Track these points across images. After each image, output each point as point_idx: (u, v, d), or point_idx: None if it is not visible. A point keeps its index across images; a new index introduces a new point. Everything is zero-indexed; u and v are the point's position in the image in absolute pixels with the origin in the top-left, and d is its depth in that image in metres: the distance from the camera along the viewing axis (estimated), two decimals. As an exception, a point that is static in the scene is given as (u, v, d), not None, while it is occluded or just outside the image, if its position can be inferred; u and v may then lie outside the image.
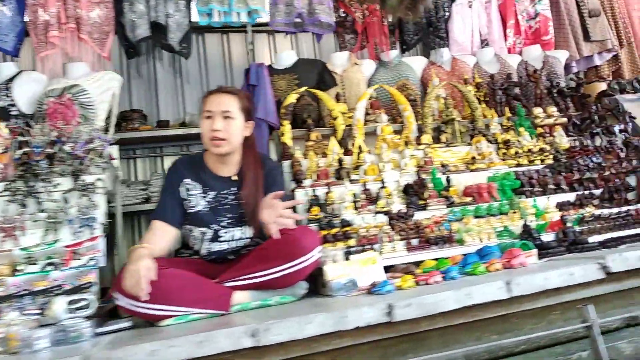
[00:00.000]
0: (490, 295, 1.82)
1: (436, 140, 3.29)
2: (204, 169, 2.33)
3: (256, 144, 2.46)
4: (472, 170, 3.03)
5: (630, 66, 4.54)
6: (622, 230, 2.69)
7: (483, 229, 2.58)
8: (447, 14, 4.09)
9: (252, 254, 2.17)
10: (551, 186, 2.91)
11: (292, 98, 3.10)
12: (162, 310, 1.91)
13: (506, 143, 3.30)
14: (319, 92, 3.23)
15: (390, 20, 3.89)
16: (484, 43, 4.30)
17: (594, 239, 2.60)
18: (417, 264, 2.37)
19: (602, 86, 4.11)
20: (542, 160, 3.20)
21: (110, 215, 2.78)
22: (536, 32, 4.42)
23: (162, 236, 2.19)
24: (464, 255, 2.38)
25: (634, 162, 3.13)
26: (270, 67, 3.67)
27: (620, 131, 3.59)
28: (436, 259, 2.38)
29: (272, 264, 2.09)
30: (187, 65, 4.70)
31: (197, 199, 2.27)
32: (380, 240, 2.44)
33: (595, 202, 2.94)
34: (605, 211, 2.79)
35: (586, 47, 4.41)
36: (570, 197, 2.91)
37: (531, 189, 2.87)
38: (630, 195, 3.03)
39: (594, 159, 3.17)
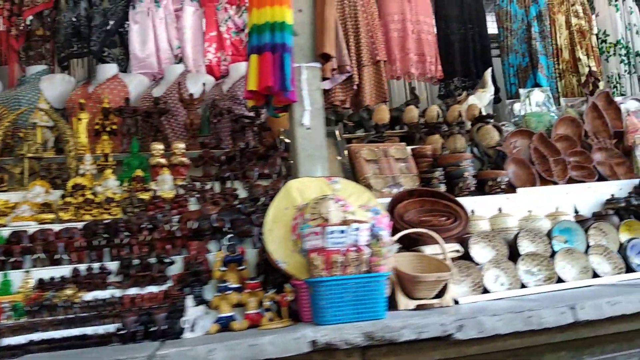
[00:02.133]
0: None
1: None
2: None
3: None
4: (-26, 228, 2.31)
5: (375, 90, 3.66)
6: (74, 327, 1.91)
7: None
8: (106, 19, 3.34)
9: None
10: (41, 255, 2.15)
11: None
12: None
13: (75, 188, 2.56)
14: None
15: (22, 28, 3.19)
16: (179, 59, 3.57)
17: (14, 339, 1.84)
18: None
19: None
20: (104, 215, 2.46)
21: None
22: (248, 46, 3.65)
23: None
24: None
25: (194, 223, 2.34)
26: None
27: (260, 176, 2.80)
28: None
29: None
30: None
31: None
32: None
33: (115, 278, 2.18)
34: (89, 296, 2.02)
35: (306, 66, 3.60)
36: (66, 271, 2.15)
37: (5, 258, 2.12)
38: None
39: (159, 217, 2.39)
